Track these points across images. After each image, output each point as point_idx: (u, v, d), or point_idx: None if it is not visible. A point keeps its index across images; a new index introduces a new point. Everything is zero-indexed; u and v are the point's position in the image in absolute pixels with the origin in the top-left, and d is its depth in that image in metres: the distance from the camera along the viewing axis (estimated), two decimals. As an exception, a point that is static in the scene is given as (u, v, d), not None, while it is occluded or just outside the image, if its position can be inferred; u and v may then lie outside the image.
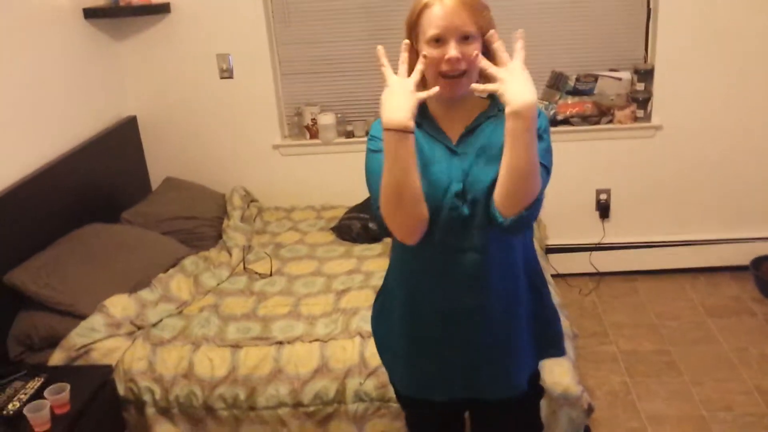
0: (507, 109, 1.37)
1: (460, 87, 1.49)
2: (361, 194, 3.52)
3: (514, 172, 1.40)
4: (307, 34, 3.72)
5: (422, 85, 1.49)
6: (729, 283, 3.69)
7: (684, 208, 3.76)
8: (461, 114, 1.56)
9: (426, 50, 1.46)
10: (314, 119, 3.75)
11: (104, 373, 2.40)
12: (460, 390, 1.69)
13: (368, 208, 3.43)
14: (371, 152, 1.57)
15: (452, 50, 1.43)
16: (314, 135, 3.78)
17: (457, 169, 1.52)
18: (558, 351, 1.81)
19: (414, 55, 1.50)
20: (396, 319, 1.72)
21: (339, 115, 3.78)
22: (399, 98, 1.43)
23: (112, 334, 2.54)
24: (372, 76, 3.73)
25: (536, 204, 1.44)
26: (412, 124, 1.40)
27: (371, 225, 3.30)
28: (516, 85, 1.38)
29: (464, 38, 1.44)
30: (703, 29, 3.43)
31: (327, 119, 3.71)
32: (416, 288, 1.63)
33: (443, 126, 1.57)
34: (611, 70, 3.67)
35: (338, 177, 3.80)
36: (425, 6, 1.47)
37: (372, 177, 1.55)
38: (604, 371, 3.04)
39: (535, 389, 1.81)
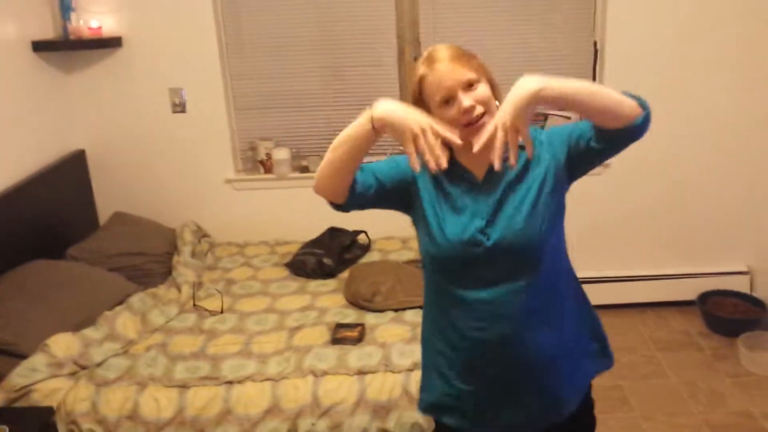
0: (526, 102, 1.40)
1: (483, 128, 1.49)
2: (316, 229, 3.52)
3: (605, 111, 1.42)
4: (261, 68, 3.73)
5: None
6: (677, 318, 3.77)
7: (633, 243, 3.84)
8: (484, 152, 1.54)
9: (441, 114, 1.50)
10: (269, 154, 3.74)
11: (45, 415, 2.30)
12: (510, 416, 1.64)
13: (323, 243, 3.41)
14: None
15: (464, 101, 1.48)
16: (268, 170, 3.76)
17: (484, 203, 1.55)
18: (608, 359, 1.79)
19: (420, 107, 1.54)
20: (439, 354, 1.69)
21: (294, 150, 3.77)
22: (422, 116, 1.45)
23: (54, 374, 2.45)
24: (326, 111, 3.75)
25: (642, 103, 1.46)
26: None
27: (326, 260, 3.28)
28: (511, 92, 1.42)
29: (469, 86, 1.49)
30: (648, 70, 3.55)
31: (281, 154, 3.70)
32: (453, 324, 1.62)
33: (469, 166, 1.59)
34: (560, 109, 3.75)
35: (292, 212, 3.77)
36: (421, 78, 1.53)
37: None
38: (557, 407, 3.05)
39: (589, 414, 1.80)
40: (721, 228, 3.79)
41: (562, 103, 1.43)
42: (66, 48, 3.46)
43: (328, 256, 3.31)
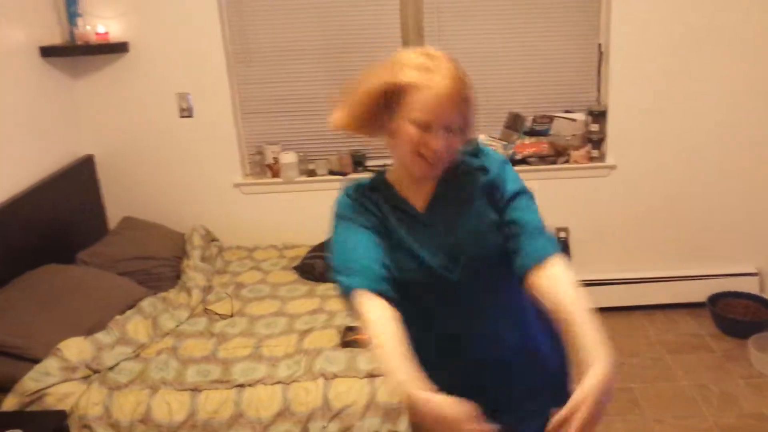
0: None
1: (435, 170, 1.45)
2: (324, 233, 3.50)
3: None
4: (268, 73, 3.74)
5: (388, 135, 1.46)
6: (686, 320, 3.76)
7: (641, 245, 3.84)
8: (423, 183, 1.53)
9: (407, 128, 1.40)
10: (276, 158, 3.75)
11: (58, 419, 2.32)
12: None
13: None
14: (339, 219, 1.53)
15: (439, 141, 1.38)
16: (276, 174, 3.77)
17: (434, 237, 1.49)
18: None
19: (374, 108, 1.43)
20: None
21: (301, 154, 3.78)
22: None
23: (66, 378, 2.46)
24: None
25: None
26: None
27: (334, 264, 3.28)
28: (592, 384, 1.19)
29: (448, 129, 1.39)
30: (652, 71, 3.55)
31: (289, 158, 3.71)
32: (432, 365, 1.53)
33: (407, 195, 1.53)
34: (566, 111, 3.77)
35: (300, 216, 3.78)
36: (414, 86, 1.38)
37: (337, 246, 1.50)
38: (567, 409, 3.04)
39: None
40: (730, 229, 3.78)
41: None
42: (73, 53, 3.47)
43: (336, 259, 3.31)
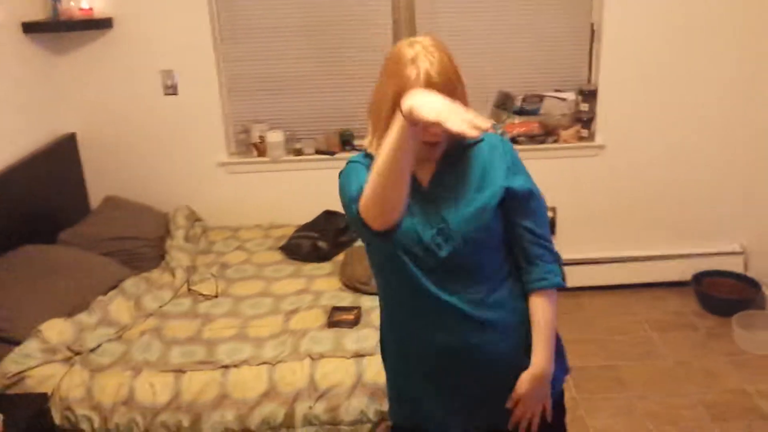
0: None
1: (435, 152, 1.56)
2: (310, 212, 3.50)
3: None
4: (254, 51, 3.68)
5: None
6: (672, 298, 3.78)
7: (627, 225, 3.84)
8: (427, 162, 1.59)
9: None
10: (262, 137, 3.70)
11: (40, 402, 2.29)
12: (476, 421, 1.70)
13: (318, 226, 3.39)
14: (347, 167, 1.62)
15: (433, 126, 1.40)
16: (262, 153, 3.72)
17: (432, 212, 1.55)
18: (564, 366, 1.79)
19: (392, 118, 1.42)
20: (395, 358, 1.76)
21: (288, 133, 3.73)
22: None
23: (47, 360, 2.42)
24: (321, 94, 3.71)
25: None
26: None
27: (320, 244, 3.26)
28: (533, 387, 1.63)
29: None
30: (644, 52, 3.53)
31: (275, 137, 3.66)
32: (408, 335, 1.68)
33: (413, 171, 1.54)
34: (556, 90, 3.74)
35: (286, 195, 3.75)
36: (408, 79, 1.42)
37: (348, 179, 1.58)
38: (553, 388, 3.06)
39: (558, 407, 1.78)
40: (715, 209, 3.79)
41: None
42: (56, 29, 3.40)
43: (323, 239, 3.29)
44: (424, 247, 1.54)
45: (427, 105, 1.29)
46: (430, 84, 1.41)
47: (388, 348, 1.78)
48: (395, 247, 1.54)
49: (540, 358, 1.60)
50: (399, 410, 1.81)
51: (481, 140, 1.59)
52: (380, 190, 1.42)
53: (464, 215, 1.54)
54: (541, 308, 1.61)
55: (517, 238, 1.61)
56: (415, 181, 1.56)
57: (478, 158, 1.58)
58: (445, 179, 1.57)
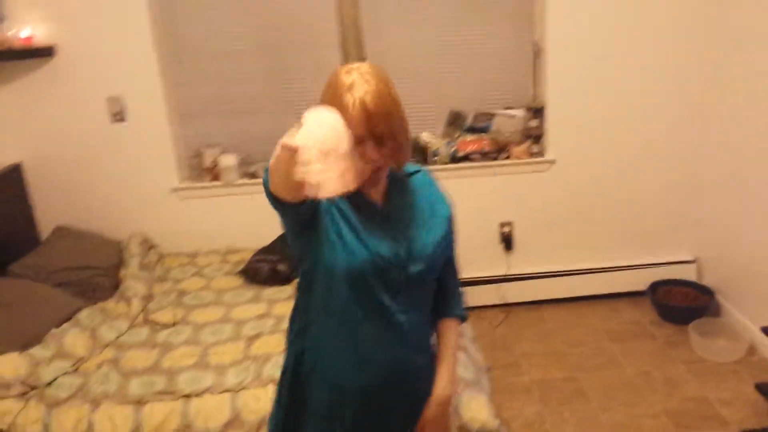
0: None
1: (380, 174, 1.54)
2: (267, 236, 3.46)
3: None
4: (203, 74, 3.66)
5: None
6: (628, 309, 3.84)
7: (582, 237, 3.91)
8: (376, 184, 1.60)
9: None
10: (215, 161, 3.65)
11: (-9, 442, 2.20)
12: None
13: (276, 249, 3.35)
14: None
15: (371, 150, 1.45)
16: (215, 177, 3.68)
17: (393, 229, 1.56)
18: None
19: None
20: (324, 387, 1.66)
21: (241, 156, 3.70)
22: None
23: (2, 396, 2.35)
24: (272, 116, 3.69)
25: None
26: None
27: (280, 267, 3.23)
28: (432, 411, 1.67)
29: (378, 139, 1.44)
30: (587, 68, 3.61)
31: (229, 160, 3.62)
32: (351, 359, 1.60)
33: (366, 191, 1.57)
34: (507, 108, 3.80)
35: (242, 219, 3.70)
36: (345, 106, 1.41)
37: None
38: (518, 402, 3.07)
39: None
40: (666, 219, 3.88)
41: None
42: (-4, 58, 3.31)
43: (282, 261, 3.25)
44: (389, 263, 1.52)
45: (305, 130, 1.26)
46: (365, 111, 1.41)
47: (314, 377, 1.68)
48: (358, 263, 1.51)
49: (447, 381, 1.66)
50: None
51: (418, 171, 1.67)
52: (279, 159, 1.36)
53: (433, 237, 1.58)
54: (454, 333, 1.72)
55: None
56: (368, 200, 1.57)
57: (421, 186, 1.65)
58: (398, 201, 1.60)
